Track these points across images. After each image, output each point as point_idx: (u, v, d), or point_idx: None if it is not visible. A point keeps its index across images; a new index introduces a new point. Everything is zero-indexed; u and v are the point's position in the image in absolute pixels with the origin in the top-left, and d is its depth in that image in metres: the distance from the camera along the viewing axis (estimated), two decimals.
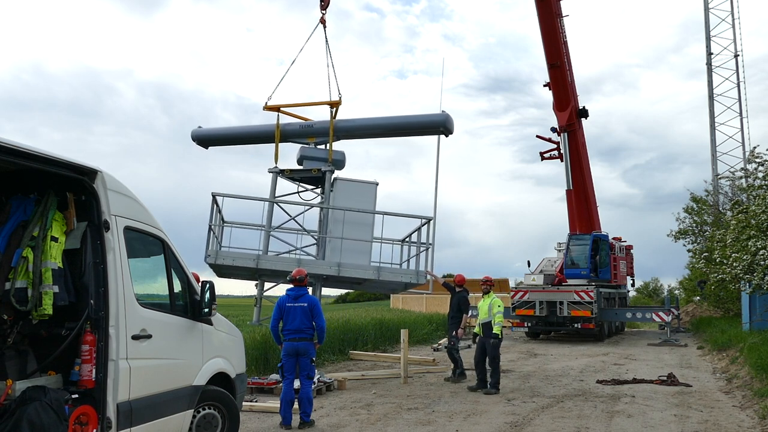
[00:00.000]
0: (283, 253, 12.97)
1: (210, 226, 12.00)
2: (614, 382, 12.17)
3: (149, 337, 5.28)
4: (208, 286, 6.11)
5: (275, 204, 13.12)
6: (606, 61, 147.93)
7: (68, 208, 4.96)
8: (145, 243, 5.72)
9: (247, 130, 14.39)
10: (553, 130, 24.35)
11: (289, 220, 13.27)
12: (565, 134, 23.84)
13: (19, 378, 4.69)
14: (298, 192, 13.80)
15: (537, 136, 25.63)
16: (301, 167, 13.45)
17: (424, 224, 12.26)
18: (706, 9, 33.73)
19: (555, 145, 24.84)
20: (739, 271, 14.43)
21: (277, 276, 12.54)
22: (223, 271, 12.74)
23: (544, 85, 23.59)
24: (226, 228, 12.76)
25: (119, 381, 4.87)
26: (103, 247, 4.95)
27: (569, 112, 23.39)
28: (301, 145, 13.58)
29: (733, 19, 33.07)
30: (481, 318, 11.35)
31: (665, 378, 12.28)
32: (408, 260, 12.63)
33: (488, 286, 11.70)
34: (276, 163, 13.33)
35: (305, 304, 8.38)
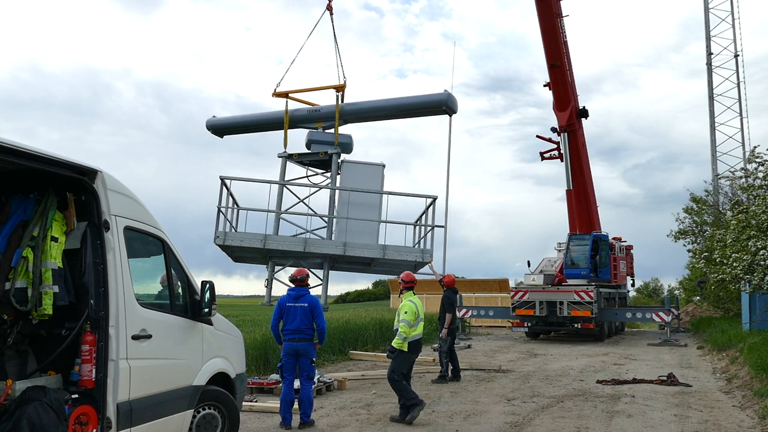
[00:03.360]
0: (292, 235, 13.28)
1: (219, 208, 12.26)
2: (614, 382, 12.17)
3: (149, 337, 5.28)
4: (208, 286, 6.10)
5: (285, 188, 13.41)
6: (606, 60, 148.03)
7: (68, 208, 4.96)
8: (145, 243, 5.72)
9: (259, 117, 14.87)
10: (553, 130, 24.36)
11: (298, 202, 13.63)
12: (565, 134, 23.84)
13: (19, 378, 4.69)
14: (307, 176, 14.12)
15: (537, 136, 25.66)
16: (309, 151, 13.78)
17: (431, 204, 12.48)
18: (706, 9, 33.74)
19: (555, 145, 24.84)
20: (739, 271, 14.42)
21: (287, 257, 12.82)
22: (235, 254, 13.09)
23: (544, 85, 23.60)
24: (237, 213, 13.04)
25: (119, 381, 4.87)
26: (103, 247, 4.95)
27: (569, 112, 23.40)
28: (309, 130, 13.86)
29: (733, 19, 33.10)
30: (395, 325, 8.92)
31: (665, 378, 12.28)
32: (419, 242, 12.79)
33: (405, 286, 9.13)
34: (285, 149, 13.63)
35: (306, 305, 8.37)
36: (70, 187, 4.98)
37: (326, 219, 13.27)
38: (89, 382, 4.75)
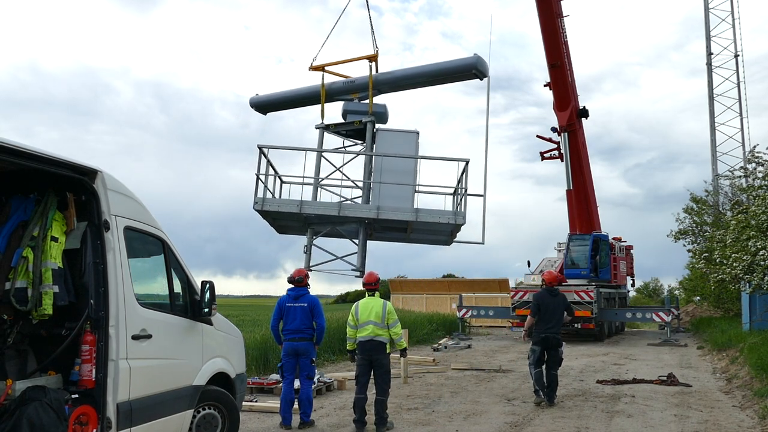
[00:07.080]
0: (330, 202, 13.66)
1: (257, 175, 12.65)
2: (614, 382, 12.17)
3: (149, 337, 5.28)
4: (208, 286, 6.10)
5: (322, 157, 13.80)
6: (606, 60, 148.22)
7: (68, 208, 4.96)
8: (145, 243, 5.72)
9: (298, 92, 15.18)
10: (554, 129, 24.38)
11: (335, 171, 14.00)
12: (566, 134, 23.86)
13: (19, 378, 4.69)
14: (344, 146, 14.46)
15: (537, 136, 25.70)
16: (344, 121, 14.13)
17: (464, 168, 12.70)
18: (706, 9, 33.73)
19: (555, 145, 24.87)
20: (739, 272, 14.43)
21: (324, 224, 13.18)
22: (277, 221, 13.58)
23: (545, 85, 23.62)
24: (280, 186, 13.49)
25: (119, 381, 4.87)
26: (103, 247, 4.95)
27: (569, 112, 23.41)
28: (344, 101, 14.24)
29: (733, 20, 33.09)
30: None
31: (665, 378, 12.28)
32: (456, 208, 12.95)
33: (371, 287, 8.79)
34: (322, 120, 14.05)
35: (305, 304, 8.39)
36: (70, 187, 4.98)
37: (362, 186, 13.61)
38: (89, 382, 4.75)
